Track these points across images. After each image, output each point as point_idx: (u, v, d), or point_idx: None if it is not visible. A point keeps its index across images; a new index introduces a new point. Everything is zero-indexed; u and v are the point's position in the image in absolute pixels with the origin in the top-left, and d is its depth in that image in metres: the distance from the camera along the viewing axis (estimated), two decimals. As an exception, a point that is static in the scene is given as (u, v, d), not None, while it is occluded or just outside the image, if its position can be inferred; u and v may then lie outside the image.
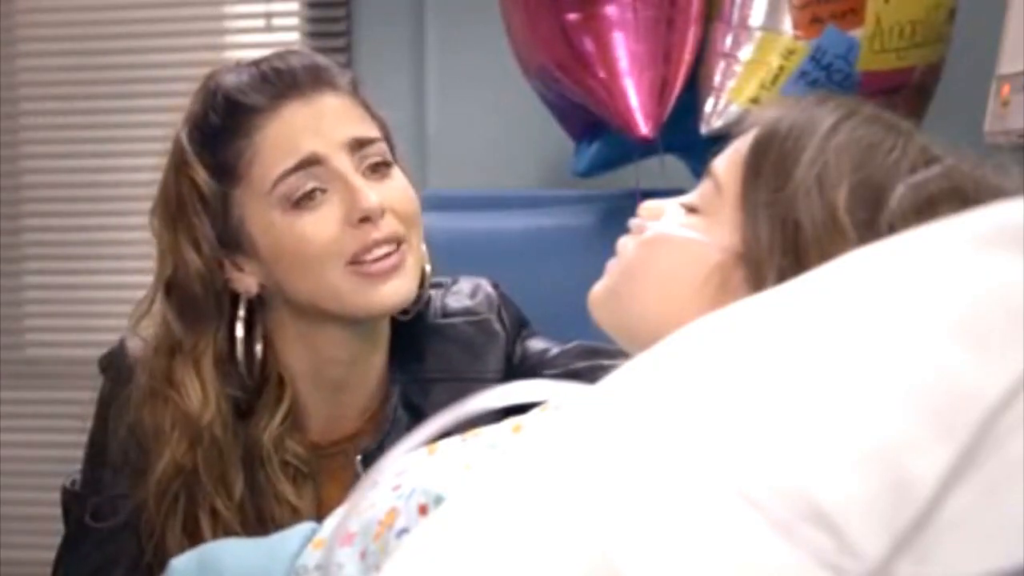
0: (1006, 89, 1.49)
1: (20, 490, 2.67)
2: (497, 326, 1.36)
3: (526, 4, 1.79)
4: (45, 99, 2.73)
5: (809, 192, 0.83)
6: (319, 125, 1.23)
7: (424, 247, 1.32)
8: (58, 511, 1.37)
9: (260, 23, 2.66)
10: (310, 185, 1.22)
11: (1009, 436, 0.45)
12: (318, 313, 1.26)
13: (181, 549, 1.23)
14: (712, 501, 0.47)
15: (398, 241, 1.24)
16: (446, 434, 0.66)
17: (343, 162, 1.22)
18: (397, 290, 1.24)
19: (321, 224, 1.22)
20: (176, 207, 1.27)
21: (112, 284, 2.69)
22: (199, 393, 1.26)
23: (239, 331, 1.28)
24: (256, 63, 1.28)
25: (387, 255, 1.23)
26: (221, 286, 1.28)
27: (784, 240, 0.83)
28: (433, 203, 1.90)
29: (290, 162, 1.22)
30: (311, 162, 1.22)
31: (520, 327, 1.40)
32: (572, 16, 1.71)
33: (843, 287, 0.55)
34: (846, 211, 0.81)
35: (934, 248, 0.54)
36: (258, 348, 1.29)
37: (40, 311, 2.77)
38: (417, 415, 1.31)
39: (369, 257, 1.22)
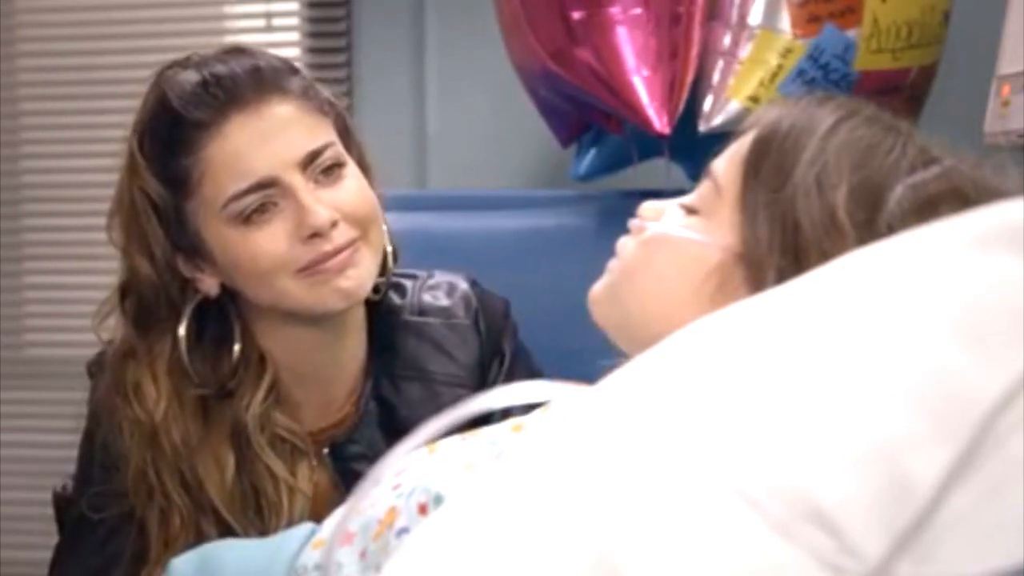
0: (1006, 89, 1.49)
1: (20, 490, 2.67)
2: (471, 331, 1.36)
3: (525, 3, 1.78)
4: (45, 99, 2.72)
5: (808, 192, 0.83)
6: (268, 142, 1.21)
7: (385, 228, 1.31)
8: (58, 511, 1.38)
9: (260, 23, 2.66)
10: (261, 202, 1.21)
11: (1009, 436, 0.45)
12: (282, 312, 1.26)
13: (162, 543, 1.24)
14: (711, 501, 0.47)
15: (351, 244, 1.23)
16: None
17: (295, 179, 1.21)
18: (353, 282, 1.23)
19: (272, 239, 1.21)
20: (129, 213, 1.26)
21: (112, 284, 2.68)
22: (153, 395, 1.26)
23: (181, 331, 1.27)
24: (201, 64, 1.24)
25: (339, 252, 1.22)
26: (177, 291, 1.27)
27: (784, 240, 0.83)
28: (433, 203, 1.91)
29: (242, 184, 1.20)
30: (263, 185, 1.21)
31: (502, 324, 1.39)
32: (577, 14, 1.71)
33: (843, 287, 0.55)
34: (845, 211, 0.81)
35: (934, 248, 0.54)
36: (236, 347, 1.29)
37: (40, 311, 2.77)
38: (389, 410, 1.32)
39: (320, 266, 1.22)
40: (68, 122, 2.71)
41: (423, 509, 0.87)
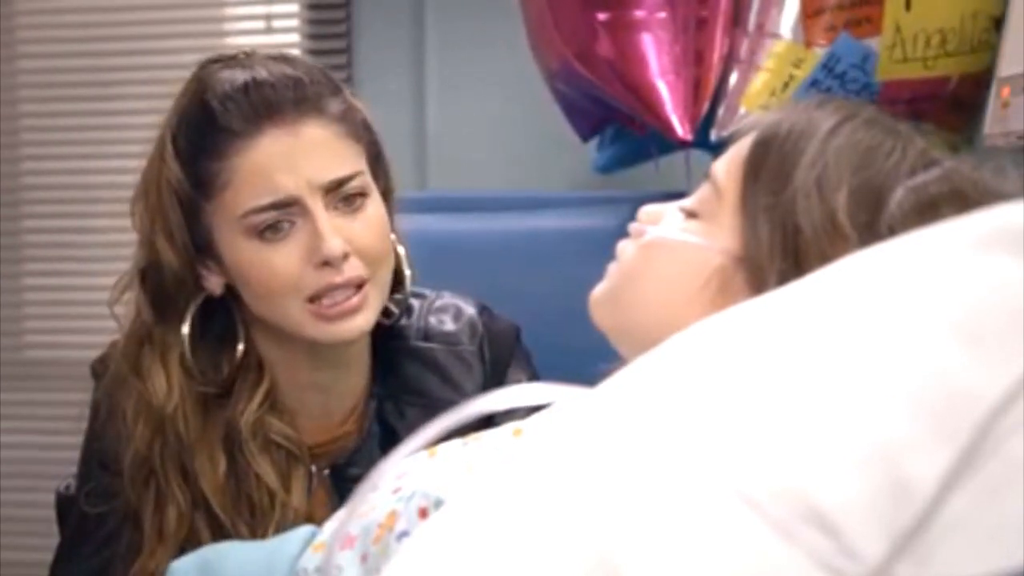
0: (1006, 91, 1.49)
1: (20, 491, 2.67)
2: (475, 359, 1.35)
3: (551, 1, 1.77)
4: (45, 99, 2.73)
5: (809, 195, 0.83)
6: (297, 163, 1.20)
7: (402, 249, 1.31)
8: (58, 512, 1.37)
9: (260, 24, 2.66)
10: (278, 219, 1.21)
11: (1009, 437, 0.45)
12: (282, 331, 1.26)
13: (156, 532, 1.24)
14: (711, 502, 0.47)
15: (360, 284, 1.23)
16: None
17: (316, 203, 1.20)
18: (356, 326, 1.24)
19: (284, 259, 1.21)
20: (156, 199, 1.26)
21: (112, 285, 2.68)
22: (163, 386, 1.26)
23: (185, 329, 1.27)
24: (247, 65, 1.24)
25: (347, 298, 1.22)
26: (193, 281, 1.27)
27: (784, 243, 0.83)
28: (433, 204, 1.91)
29: (264, 200, 1.20)
30: (285, 204, 1.20)
31: (509, 352, 1.38)
32: (603, 16, 1.69)
33: (843, 289, 0.55)
34: (846, 214, 0.81)
35: (934, 250, 0.54)
36: (240, 347, 1.29)
37: (40, 311, 2.77)
38: (391, 434, 1.31)
39: (327, 300, 1.22)
40: (68, 123, 2.72)
41: (423, 513, 0.87)
